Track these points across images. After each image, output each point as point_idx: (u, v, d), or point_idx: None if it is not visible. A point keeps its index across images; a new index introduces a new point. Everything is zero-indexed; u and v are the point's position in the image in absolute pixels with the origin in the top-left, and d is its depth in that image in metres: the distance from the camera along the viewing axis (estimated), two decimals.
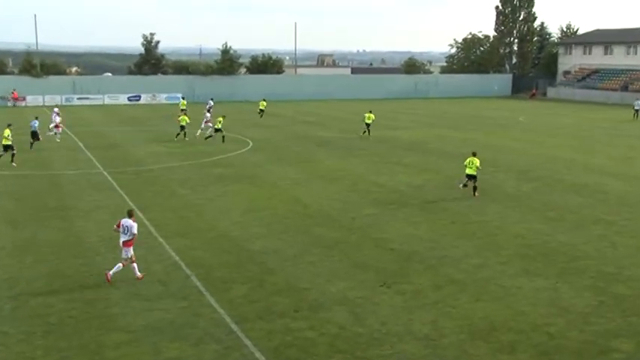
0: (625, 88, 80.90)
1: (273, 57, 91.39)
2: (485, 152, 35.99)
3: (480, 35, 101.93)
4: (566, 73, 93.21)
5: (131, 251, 15.16)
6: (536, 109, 68.76)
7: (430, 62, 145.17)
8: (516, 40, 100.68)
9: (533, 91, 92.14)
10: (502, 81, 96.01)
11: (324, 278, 15.37)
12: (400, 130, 47.19)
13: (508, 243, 18.30)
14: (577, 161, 33.07)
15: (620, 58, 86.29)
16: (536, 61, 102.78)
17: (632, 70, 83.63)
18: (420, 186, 26.45)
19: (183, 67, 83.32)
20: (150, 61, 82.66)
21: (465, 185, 24.72)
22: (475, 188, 24.41)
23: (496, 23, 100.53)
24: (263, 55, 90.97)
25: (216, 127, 39.18)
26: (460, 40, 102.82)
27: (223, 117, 40.71)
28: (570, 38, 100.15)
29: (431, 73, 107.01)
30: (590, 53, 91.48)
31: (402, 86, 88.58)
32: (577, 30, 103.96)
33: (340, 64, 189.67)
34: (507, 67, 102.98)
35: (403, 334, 12.46)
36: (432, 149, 37.33)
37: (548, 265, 16.40)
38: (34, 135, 36.17)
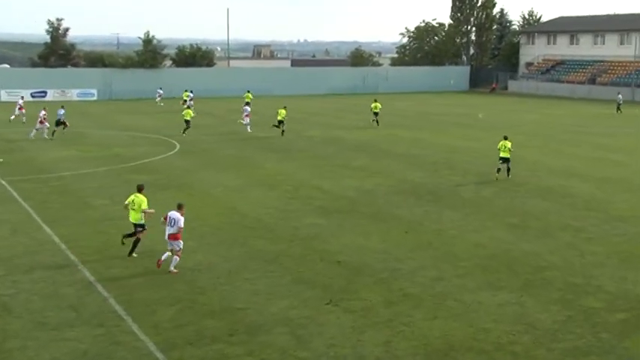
0: (592, 81, 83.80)
1: (203, 48, 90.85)
2: (441, 153, 36.72)
3: (434, 23, 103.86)
4: (529, 64, 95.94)
5: (181, 244, 16.88)
6: (496, 105, 70.46)
7: (379, 53, 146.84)
8: (474, 29, 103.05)
9: (493, 84, 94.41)
10: (459, 74, 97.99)
11: (264, 297, 15.36)
12: (346, 129, 47.58)
13: (467, 253, 18.70)
14: (541, 162, 34.07)
15: (586, 48, 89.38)
16: (496, 52, 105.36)
17: (600, 62, 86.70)
18: (370, 191, 26.75)
19: (97, 59, 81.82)
20: (57, 52, 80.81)
21: (499, 170, 29.26)
22: (509, 170, 29.25)
23: (452, 10, 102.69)
24: (191, 45, 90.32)
25: (279, 118, 43.55)
26: (412, 29, 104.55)
27: (285, 108, 44.95)
28: (533, 26, 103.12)
29: (380, 65, 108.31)
30: (554, 43, 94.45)
31: (349, 80, 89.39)
32: (540, 17, 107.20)
33: (279, 55, 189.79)
34: (464, 58, 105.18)
35: (352, 357, 12.57)
36: (382, 150, 37.80)
37: (511, 276, 16.84)
38: (60, 123, 41.99)
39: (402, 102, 73.57)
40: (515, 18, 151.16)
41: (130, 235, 18.23)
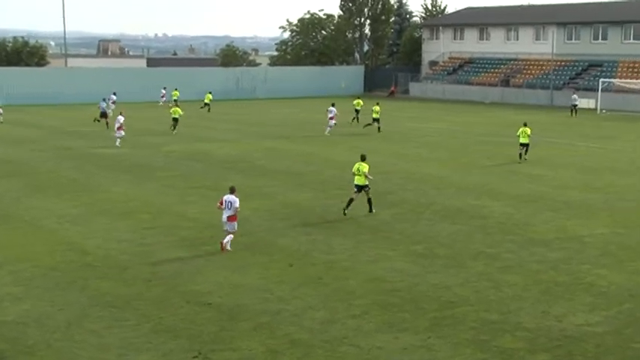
0: (506, 83, 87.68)
1: (31, 42, 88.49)
2: (331, 170, 37.27)
3: (321, 15, 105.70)
4: (433, 63, 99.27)
5: (235, 226, 22.13)
6: (396, 111, 72.21)
7: (256, 51, 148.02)
8: (368, 22, 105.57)
9: (392, 87, 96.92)
10: (351, 75, 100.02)
11: (115, 352, 15.02)
12: (217, 142, 47.44)
13: (364, 289, 18.97)
14: (449, 179, 35.16)
15: (498, 44, 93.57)
16: (395, 49, 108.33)
17: (513, 60, 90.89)
18: (246, 218, 26.70)
19: None
20: None
21: (521, 155, 40.14)
22: (526, 152, 40.27)
23: None
24: (15, 38, 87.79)
25: (374, 116, 53.12)
26: (295, 22, 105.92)
27: (378, 104, 54.61)
28: (436, 19, 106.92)
29: (257, 64, 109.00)
30: (461, 38, 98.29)
31: (219, 83, 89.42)
32: (445, 8, 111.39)
33: (131, 52, 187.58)
34: (358, 56, 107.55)
35: None
36: (260, 167, 37.93)
37: (417, 315, 17.21)
38: (104, 115, 55.70)
39: (283, 108, 74.15)
40: (416, 9, 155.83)
41: (348, 205, 26.94)
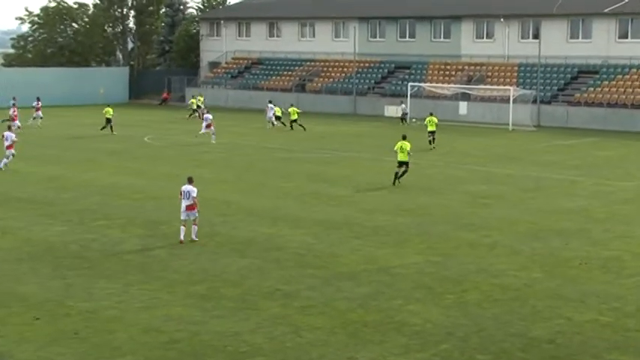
0: (301, 87, 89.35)
1: None
2: (90, 196, 36.60)
3: (71, 4, 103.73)
4: (214, 65, 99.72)
5: (196, 214, 27.30)
6: (169, 123, 71.96)
7: None
8: (133, 13, 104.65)
9: (164, 94, 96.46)
10: (112, 78, 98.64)
11: None
12: None
13: (134, 343, 18.70)
14: (237, 204, 35.36)
15: (291, 42, 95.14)
16: (167, 48, 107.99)
17: (310, 60, 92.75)
18: None
19: None
20: None
21: (430, 142, 54.44)
22: (433, 141, 54.84)
23: None
24: None
25: (293, 117, 66.21)
26: (37, 12, 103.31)
27: (292, 105, 66.32)
28: (217, 11, 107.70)
29: None
30: (247, 35, 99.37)
31: None
32: None
33: None
34: (120, 56, 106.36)
35: None
36: None
37: None
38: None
39: (24, 120, 71.87)
40: None
41: (400, 175, 38.87)
